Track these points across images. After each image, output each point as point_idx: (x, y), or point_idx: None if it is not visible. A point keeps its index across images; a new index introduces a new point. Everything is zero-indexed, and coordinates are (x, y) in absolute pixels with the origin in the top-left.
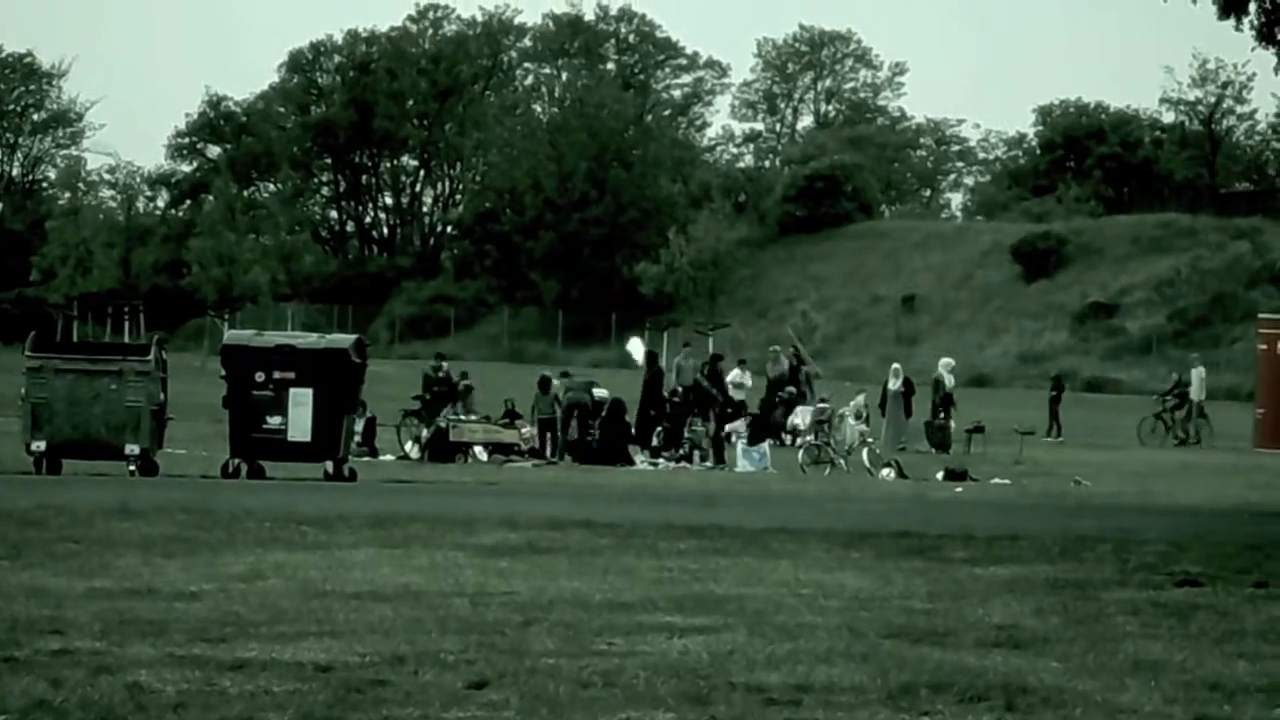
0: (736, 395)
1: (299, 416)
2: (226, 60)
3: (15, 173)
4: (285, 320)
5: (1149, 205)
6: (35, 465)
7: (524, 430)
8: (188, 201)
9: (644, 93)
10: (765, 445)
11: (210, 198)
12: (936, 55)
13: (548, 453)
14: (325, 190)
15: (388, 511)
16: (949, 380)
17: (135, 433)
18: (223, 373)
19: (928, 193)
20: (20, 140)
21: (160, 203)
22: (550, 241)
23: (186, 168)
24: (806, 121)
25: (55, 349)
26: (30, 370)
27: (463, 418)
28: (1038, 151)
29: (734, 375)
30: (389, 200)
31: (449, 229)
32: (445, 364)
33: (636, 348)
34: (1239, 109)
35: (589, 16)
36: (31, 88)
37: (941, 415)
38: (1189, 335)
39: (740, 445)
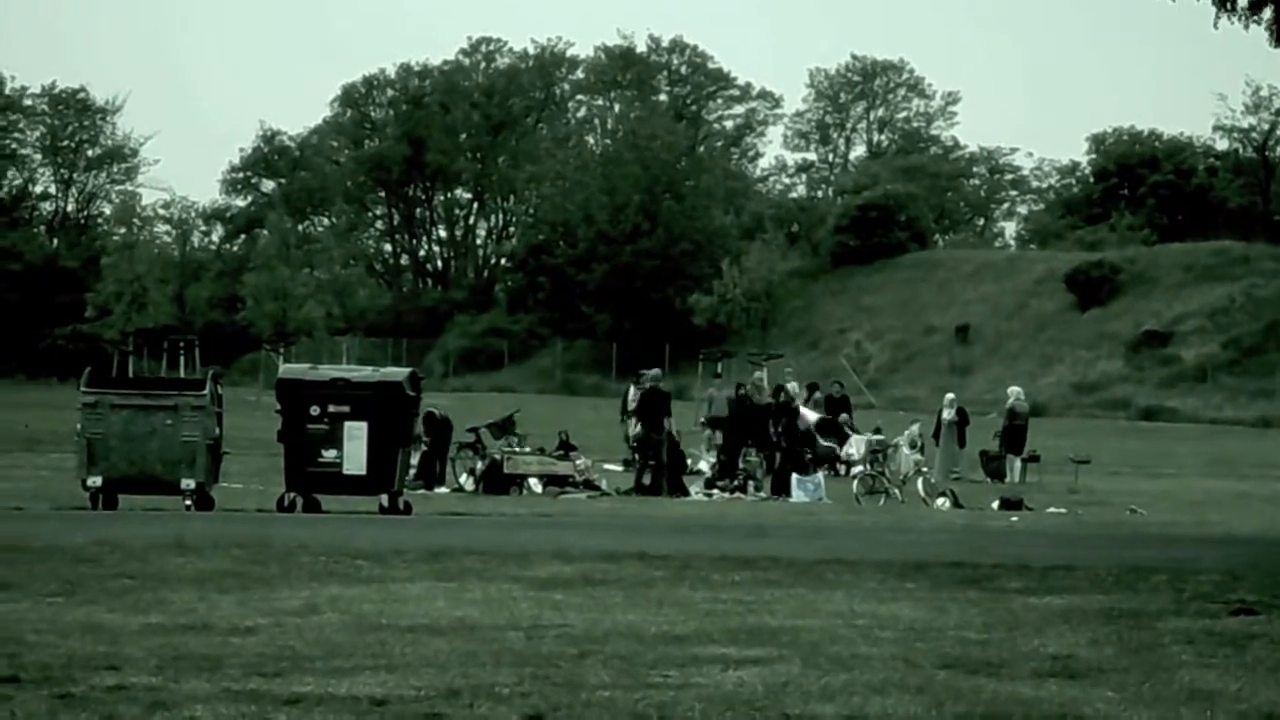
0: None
1: (354, 450)
2: (280, 94)
3: (70, 208)
4: (340, 354)
5: (1203, 233)
6: (91, 501)
7: (578, 462)
8: (242, 236)
9: (696, 124)
10: (820, 475)
11: (265, 232)
12: (989, 84)
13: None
14: (379, 224)
15: (442, 545)
16: (1023, 408)
17: (191, 467)
18: (278, 407)
19: (981, 222)
20: (75, 176)
21: (215, 237)
22: (603, 274)
23: (241, 202)
24: (859, 151)
25: (111, 384)
26: (86, 406)
27: (517, 450)
28: (1091, 180)
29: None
30: (442, 233)
31: (502, 262)
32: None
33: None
34: None
35: (641, 48)
36: (86, 123)
37: (1002, 445)
38: (1243, 363)
39: (795, 476)
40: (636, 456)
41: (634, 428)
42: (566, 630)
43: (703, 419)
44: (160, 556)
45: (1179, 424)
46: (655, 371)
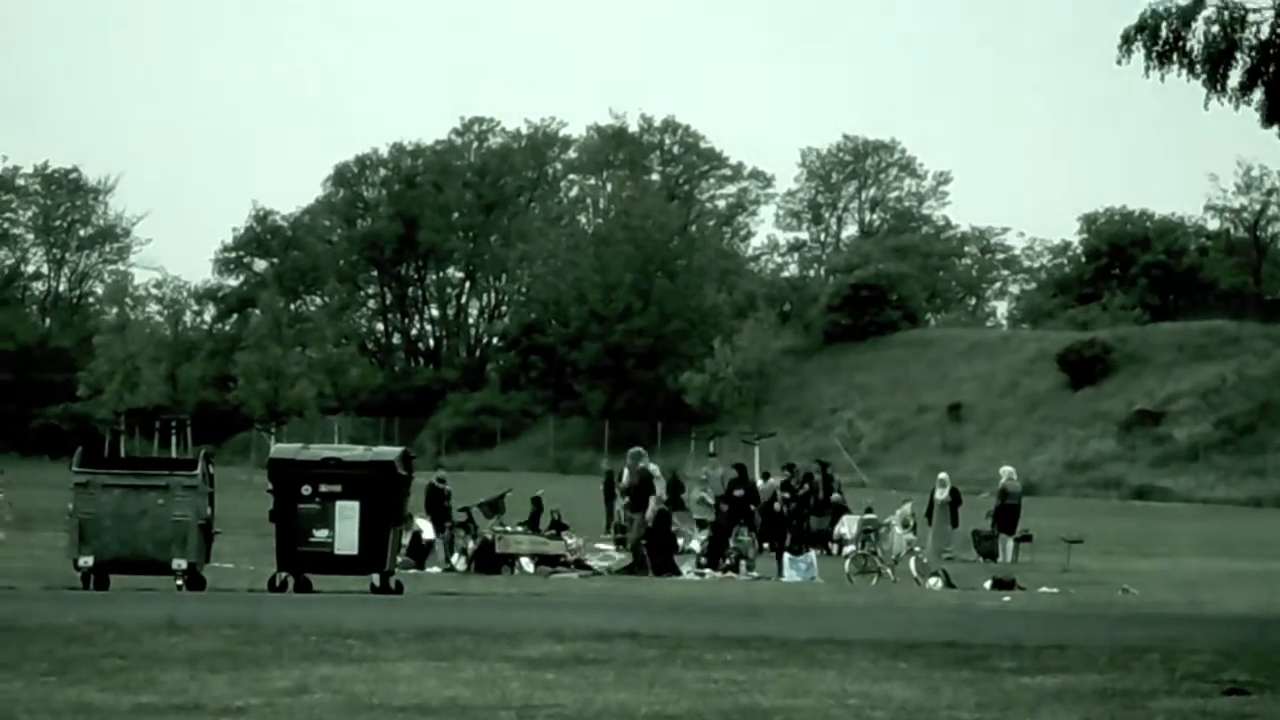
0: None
1: (345, 530)
2: (273, 174)
3: (63, 288)
4: (332, 433)
5: (1194, 312)
6: (83, 581)
7: (570, 541)
8: (234, 315)
9: (689, 203)
10: (812, 555)
11: (257, 311)
12: (981, 164)
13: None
14: (371, 303)
15: (434, 624)
16: (1015, 487)
17: (182, 547)
18: (269, 486)
19: (973, 301)
20: (67, 256)
21: (207, 317)
22: (595, 352)
23: (233, 282)
24: (851, 230)
25: (102, 464)
26: (78, 485)
27: (508, 529)
28: (1083, 259)
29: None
30: (435, 312)
31: (495, 340)
32: (443, 475)
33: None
34: None
35: (633, 128)
36: (78, 203)
37: (994, 525)
38: (1235, 443)
39: (786, 556)
40: (623, 537)
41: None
42: (558, 710)
43: (702, 496)
44: (152, 636)
45: (1172, 503)
46: (638, 450)
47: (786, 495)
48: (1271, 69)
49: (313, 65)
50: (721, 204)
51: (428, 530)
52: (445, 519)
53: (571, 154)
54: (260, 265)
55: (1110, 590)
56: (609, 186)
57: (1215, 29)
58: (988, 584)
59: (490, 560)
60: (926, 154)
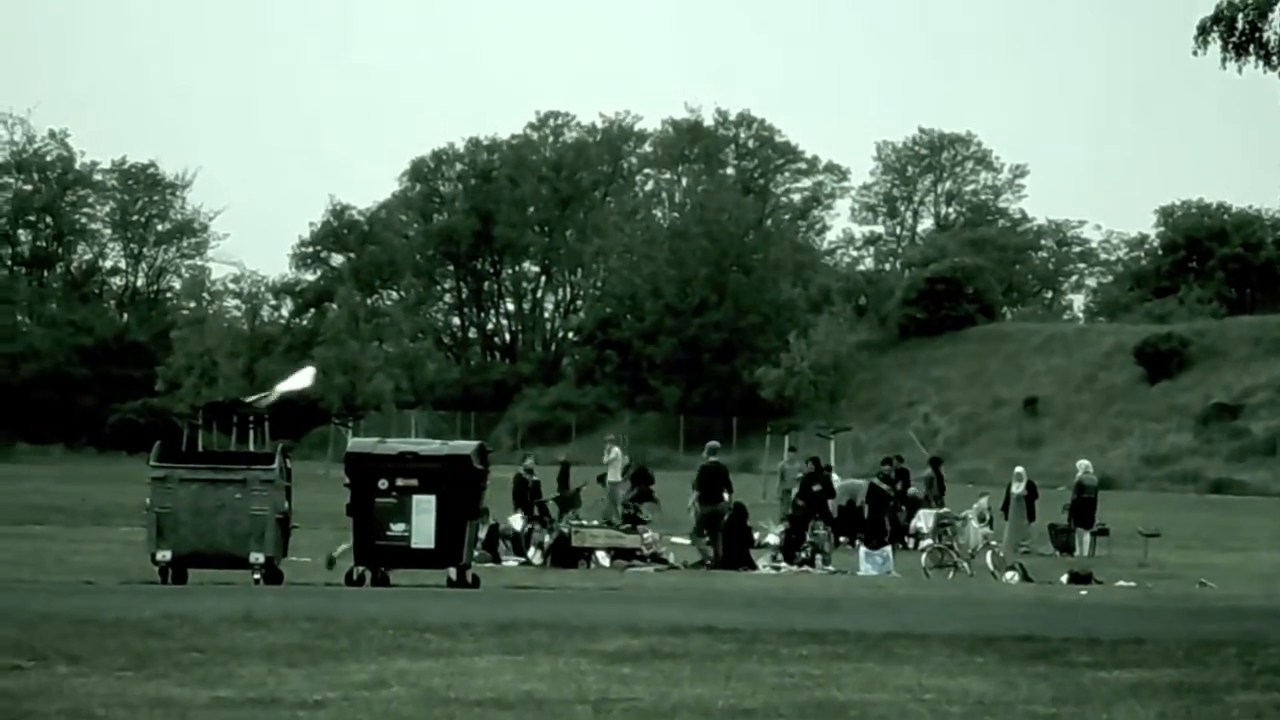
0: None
1: (422, 523)
2: (349, 169)
3: (140, 283)
4: (408, 427)
5: (1272, 305)
6: (160, 575)
7: (645, 535)
8: (311, 310)
9: (764, 197)
10: (888, 549)
11: (334, 306)
12: (1057, 156)
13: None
14: (447, 297)
15: (510, 618)
16: (1091, 481)
17: (260, 541)
18: (346, 480)
19: (1049, 294)
20: (145, 251)
21: (284, 311)
22: (670, 347)
23: (310, 276)
24: (927, 224)
25: (180, 459)
26: (155, 480)
27: (584, 523)
28: (1159, 252)
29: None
30: (510, 307)
31: (570, 335)
32: (530, 464)
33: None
34: None
35: (708, 122)
36: (156, 198)
37: (1070, 519)
38: None
39: (863, 549)
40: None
41: (691, 502)
42: (634, 704)
43: (784, 492)
44: (229, 630)
45: (1249, 496)
46: (713, 444)
47: (889, 488)
48: None
49: (389, 60)
50: (796, 198)
51: (517, 522)
52: (532, 509)
53: (646, 148)
54: (337, 260)
55: (1187, 584)
56: (684, 181)
57: None
58: (1064, 578)
59: (566, 554)
60: (1002, 147)
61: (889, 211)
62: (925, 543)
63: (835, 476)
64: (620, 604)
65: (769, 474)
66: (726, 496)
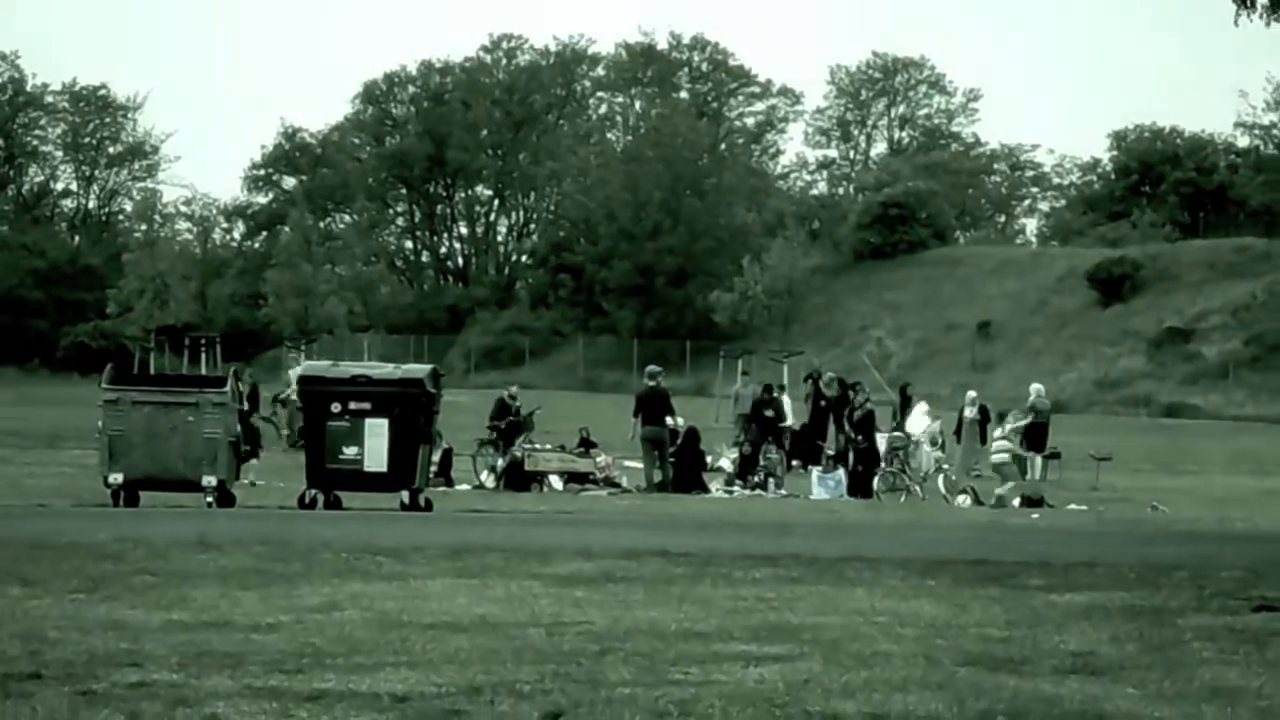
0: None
1: (375, 447)
2: (301, 91)
3: (92, 205)
4: (362, 351)
5: (1224, 230)
6: (113, 498)
7: (599, 459)
8: (264, 233)
9: (717, 121)
10: (840, 472)
11: (286, 229)
12: (1010, 81)
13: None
14: (400, 221)
15: (463, 542)
16: (1045, 405)
17: (213, 464)
18: (299, 404)
19: (1002, 219)
20: (96, 173)
21: (236, 235)
22: (624, 271)
23: (262, 199)
24: (880, 148)
25: (132, 381)
26: (107, 403)
27: (538, 447)
28: (1112, 177)
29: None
30: (464, 231)
31: (524, 259)
32: (515, 390)
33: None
34: None
35: (662, 45)
36: (107, 120)
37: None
38: (1265, 360)
39: (815, 472)
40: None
41: (637, 427)
42: (588, 627)
43: (738, 416)
44: (182, 553)
45: (1201, 420)
46: (653, 368)
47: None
48: None
49: None
50: (750, 122)
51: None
52: (516, 433)
53: (600, 71)
54: (289, 183)
55: (1139, 508)
56: (638, 104)
57: None
58: (1016, 501)
59: (519, 478)
60: (956, 71)
61: (842, 135)
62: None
63: (786, 400)
64: (573, 528)
65: (722, 398)
66: (670, 421)
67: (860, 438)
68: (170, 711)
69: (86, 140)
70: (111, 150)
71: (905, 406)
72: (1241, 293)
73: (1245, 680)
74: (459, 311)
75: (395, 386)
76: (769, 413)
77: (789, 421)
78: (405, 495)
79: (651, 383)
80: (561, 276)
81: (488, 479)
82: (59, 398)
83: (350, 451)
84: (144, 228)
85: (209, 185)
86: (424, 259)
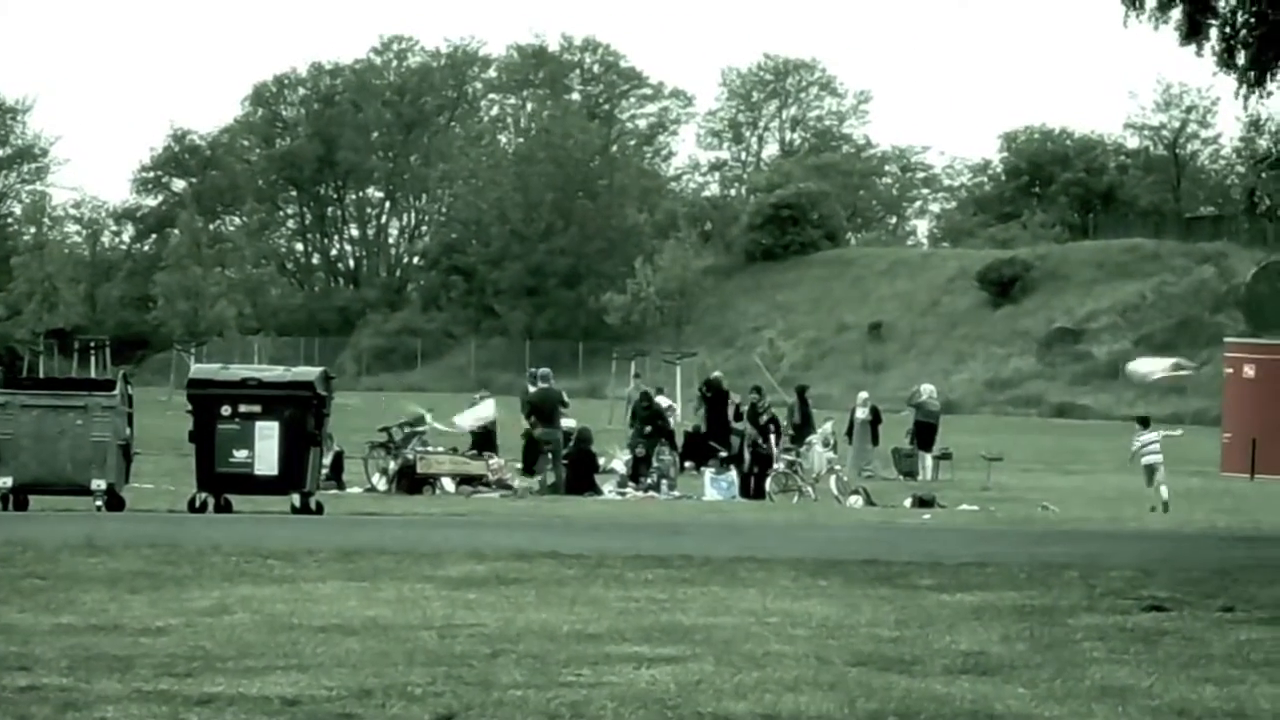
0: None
1: (265, 450)
2: (190, 93)
3: None
4: (252, 353)
5: (1114, 231)
6: (1, 501)
7: (491, 461)
8: (153, 236)
9: (609, 122)
10: (733, 473)
11: (176, 231)
12: (901, 83)
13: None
14: (291, 223)
15: (355, 544)
16: (934, 405)
17: (101, 468)
18: (189, 407)
19: (893, 220)
20: None
21: (126, 237)
22: (516, 272)
23: (151, 201)
24: (772, 150)
25: (21, 385)
26: None
27: (430, 449)
28: (1003, 178)
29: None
30: (355, 232)
31: (415, 260)
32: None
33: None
34: (1203, 133)
35: (553, 47)
36: None
37: (914, 442)
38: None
39: (708, 474)
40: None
41: (533, 428)
42: (479, 629)
43: (631, 418)
44: (71, 557)
45: (1090, 420)
46: (544, 370)
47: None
48: None
49: None
50: (642, 123)
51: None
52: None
53: (491, 73)
54: (179, 185)
55: (1030, 507)
56: (529, 106)
57: None
58: (908, 502)
59: (412, 481)
60: (847, 73)
61: (734, 137)
62: (776, 467)
63: (662, 400)
64: (465, 530)
65: (615, 399)
66: (564, 423)
67: (764, 441)
68: (60, 715)
69: None
70: (0, 153)
71: (804, 408)
72: (1131, 293)
73: (1135, 679)
74: (350, 313)
75: (285, 389)
76: (660, 422)
77: (675, 422)
78: (296, 498)
79: (545, 384)
80: (453, 278)
81: (379, 482)
82: None
83: (240, 455)
84: (33, 230)
85: (98, 188)
86: (314, 261)
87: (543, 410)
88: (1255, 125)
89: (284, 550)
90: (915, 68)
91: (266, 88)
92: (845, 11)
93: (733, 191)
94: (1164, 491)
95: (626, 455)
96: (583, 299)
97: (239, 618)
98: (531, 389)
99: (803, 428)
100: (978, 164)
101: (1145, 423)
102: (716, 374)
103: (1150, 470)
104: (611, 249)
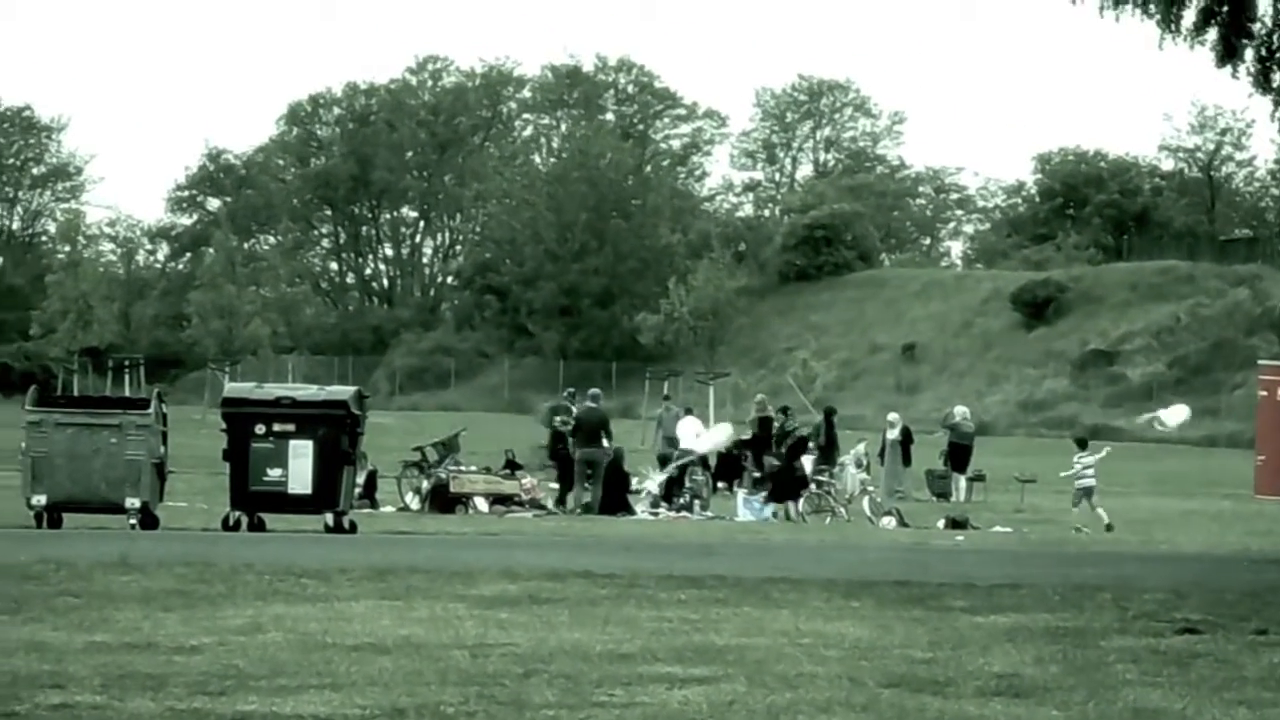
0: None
1: (299, 469)
2: (226, 113)
3: (15, 226)
4: (286, 372)
5: (1148, 252)
6: (36, 520)
7: (524, 481)
8: (188, 254)
9: (643, 143)
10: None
11: (210, 250)
12: (935, 104)
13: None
14: (325, 242)
15: (388, 563)
16: (968, 427)
17: (136, 486)
18: (223, 425)
19: (927, 241)
20: (20, 194)
21: (160, 256)
22: (550, 292)
23: (186, 220)
24: (805, 170)
25: (55, 403)
26: (30, 424)
27: (463, 469)
28: (1037, 199)
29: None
30: (389, 252)
31: (449, 280)
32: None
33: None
34: (1238, 155)
35: (588, 67)
36: (31, 141)
37: (947, 464)
38: (1189, 382)
39: (741, 494)
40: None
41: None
42: (512, 649)
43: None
44: (105, 575)
45: (1125, 443)
46: (595, 391)
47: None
48: (1225, 9)
49: (267, 2)
50: (676, 144)
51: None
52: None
53: (526, 93)
54: (213, 204)
55: (1063, 529)
56: (563, 126)
57: None
58: (941, 523)
59: (444, 500)
60: (881, 94)
61: (768, 158)
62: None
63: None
64: (498, 549)
65: (649, 420)
66: (605, 443)
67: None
68: None
69: (10, 161)
70: (35, 171)
71: (830, 430)
72: (1165, 315)
73: (1168, 702)
74: (384, 333)
75: (319, 408)
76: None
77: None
78: (329, 517)
79: (592, 404)
80: (487, 297)
81: (413, 501)
82: None
83: (274, 473)
84: (67, 249)
85: (133, 207)
86: (349, 280)
87: (586, 429)
88: None
89: (317, 569)
90: (949, 89)
91: (301, 107)
92: (880, 33)
93: (766, 212)
94: (1102, 514)
95: (660, 475)
96: (616, 319)
97: (272, 636)
98: (567, 407)
99: (828, 449)
100: (1012, 185)
101: (1083, 444)
102: (763, 402)
103: (1085, 492)
104: (645, 269)
